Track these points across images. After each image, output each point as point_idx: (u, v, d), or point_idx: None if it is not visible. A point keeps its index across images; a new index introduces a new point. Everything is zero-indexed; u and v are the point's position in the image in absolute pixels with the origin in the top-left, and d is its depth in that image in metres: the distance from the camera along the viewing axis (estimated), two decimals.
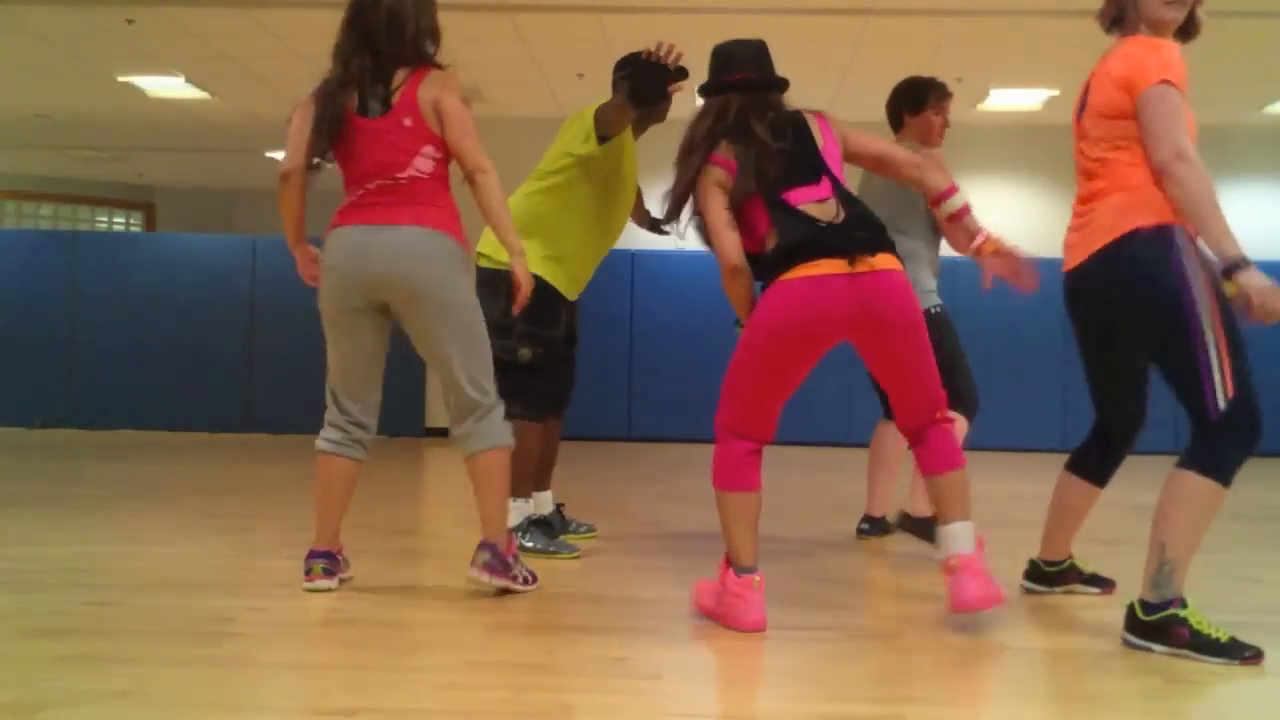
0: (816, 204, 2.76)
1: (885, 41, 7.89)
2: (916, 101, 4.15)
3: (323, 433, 3.14)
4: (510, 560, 3.08)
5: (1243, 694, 2.33)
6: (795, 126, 2.89)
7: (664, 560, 3.72)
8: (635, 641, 2.70)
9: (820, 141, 2.89)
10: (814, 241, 2.67)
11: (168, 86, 9.23)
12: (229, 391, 10.01)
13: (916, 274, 3.93)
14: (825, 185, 2.80)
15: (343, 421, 3.14)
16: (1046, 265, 8.94)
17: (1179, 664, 2.49)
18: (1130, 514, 5.01)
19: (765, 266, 2.75)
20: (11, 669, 2.28)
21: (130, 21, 7.51)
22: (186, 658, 2.37)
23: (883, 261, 2.69)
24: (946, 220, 3.05)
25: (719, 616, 2.76)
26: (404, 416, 10.18)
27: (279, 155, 13.48)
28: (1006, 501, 5.79)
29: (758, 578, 2.71)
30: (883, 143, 3.04)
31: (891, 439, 4.15)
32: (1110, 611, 2.99)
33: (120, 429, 9.99)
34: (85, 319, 10.28)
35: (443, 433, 10.34)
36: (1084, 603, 3.11)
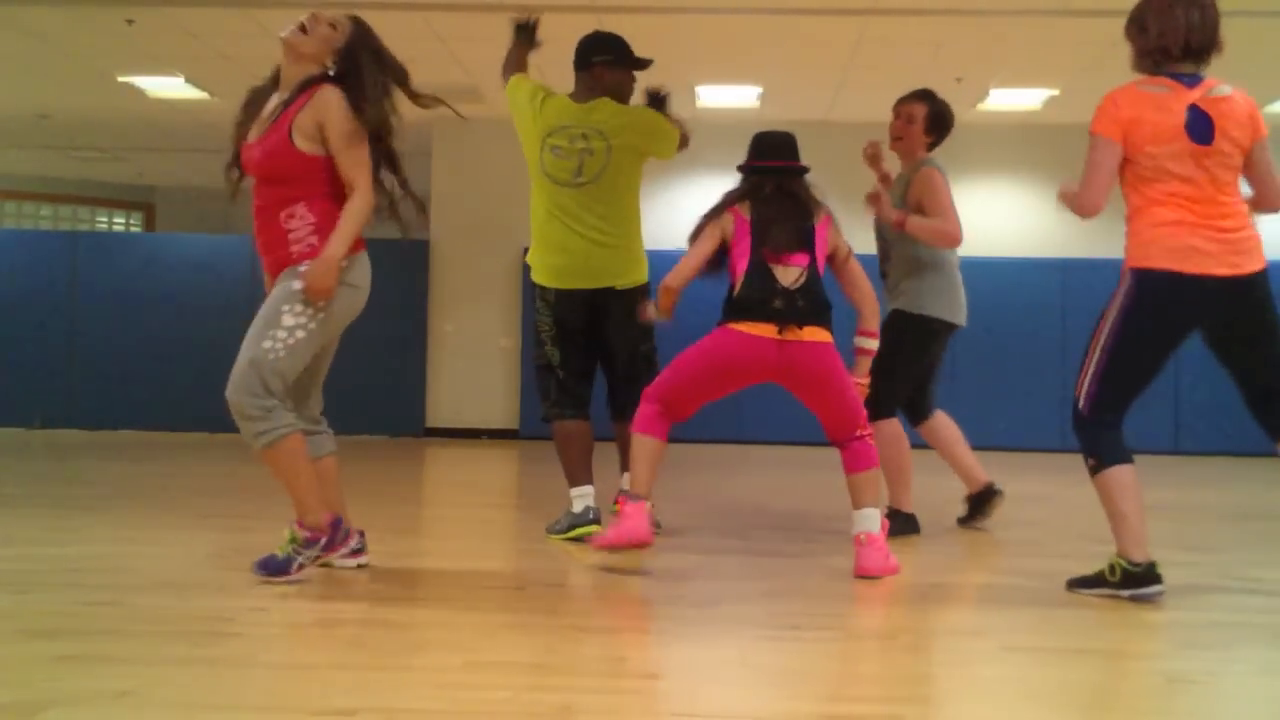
0: (784, 268, 3.42)
1: (885, 41, 7.88)
2: None
3: (286, 419, 3.16)
4: None
5: (1243, 694, 2.33)
6: (804, 212, 3.52)
7: (663, 560, 3.72)
8: (635, 641, 2.70)
9: (815, 227, 3.52)
10: (757, 307, 3.37)
11: (168, 86, 9.23)
12: None
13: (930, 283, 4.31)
14: (802, 258, 3.45)
15: (292, 408, 3.26)
16: (1046, 265, 9.09)
17: (1179, 664, 2.49)
18: None
19: (725, 307, 3.46)
20: (11, 669, 2.28)
21: (130, 22, 7.51)
22: (186, 658, 2.37)
23: (809, 334, 3.37)
24: (855, 348, 3.62)
25: (615, 538, 3.36)
26: (404, 416, 10.19)
27: None
28: (1006, 501, 5.78)
29: (648, 504, 3.41)
30: (857, 273, 3.60)
31: (941, 432, 4.48)
32: (1109, 611, 2.99)
33: (120, 429, 10.00)
34: (85, 319, 10.28)
35: (443, 433, 10.34)
36: (1083, 602, 3.10)
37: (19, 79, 9.16)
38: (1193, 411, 9.29)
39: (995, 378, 9.78)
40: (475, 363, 10.38)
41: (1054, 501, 5.88)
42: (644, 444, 3.50)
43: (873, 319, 3.63)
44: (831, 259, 3.57)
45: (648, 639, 2.73)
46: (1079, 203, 3.17)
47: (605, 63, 4.12)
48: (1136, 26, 3.18)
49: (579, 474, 4.10)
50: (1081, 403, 3.15)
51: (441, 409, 10.39)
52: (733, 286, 3.48)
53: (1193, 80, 3.10)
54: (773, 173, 3.59)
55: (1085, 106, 8.97)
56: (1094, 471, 3.12)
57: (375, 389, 10.10)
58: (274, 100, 3.26)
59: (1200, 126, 3.05)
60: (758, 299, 3.38)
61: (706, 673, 2.39)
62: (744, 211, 3.52)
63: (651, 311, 3.66)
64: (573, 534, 3.97)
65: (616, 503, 3.90)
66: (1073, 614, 2.97)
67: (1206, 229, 3.04)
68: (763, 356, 3.37)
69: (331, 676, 2.26)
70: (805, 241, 3.46)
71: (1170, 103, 3.06)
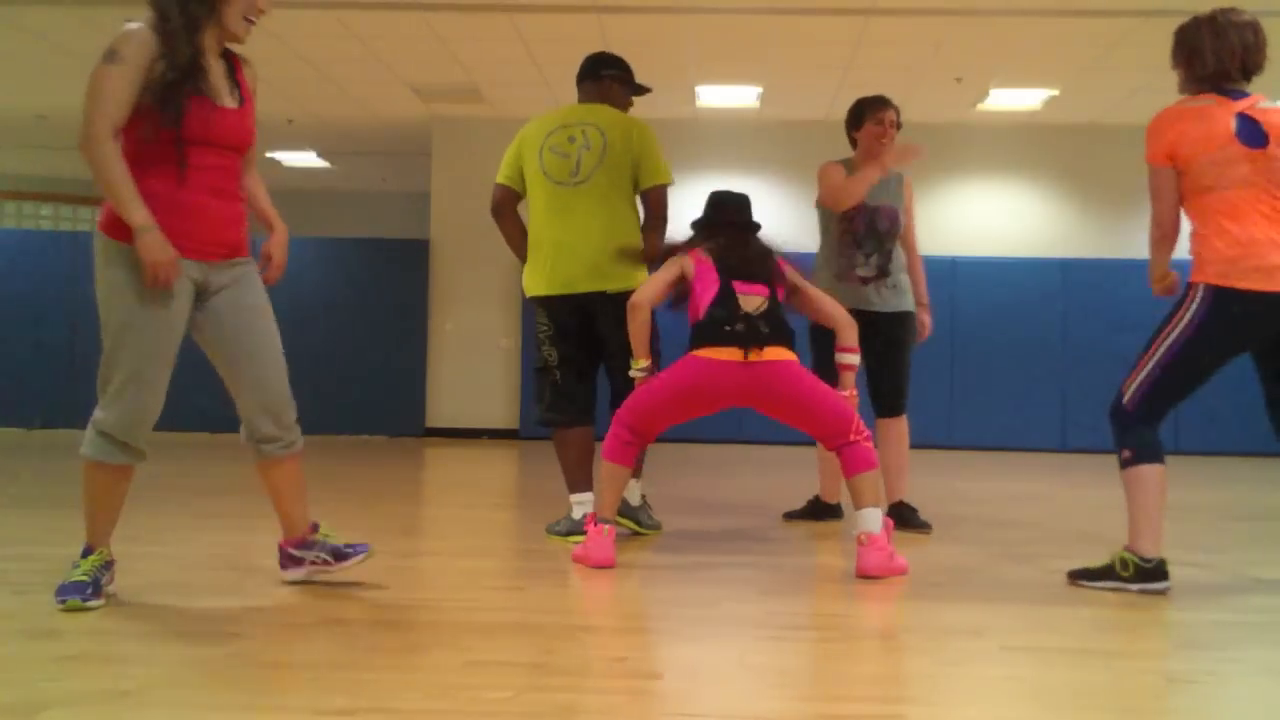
0: (747, 296, 3.59)
1: (885, 41, 7.89)
2: (855, 119, 4.57)
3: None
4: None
5: (1243, 694, 2.33)
6: (765, 256, 3.74)
7: (663, 559, 3.72)
8: (635, 641, 2.70)
9: (776, 261, 3.75)
10: (722, 333, 3.53)
11: None
12: (228, 391, 9.99)
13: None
14: (763, 289, 3.62)
15: None
16: (1045, 265, 9.10)
17: (1179, 664, 2.49)
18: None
19: (692, 336, 3.61)
20: (11, 669, 2.28)
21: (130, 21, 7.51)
22: (186, 658, 2.37)
23: (771, 353, 3.51)
24: (838, 365, 3.73)
25: (581, 559, 3.54)
26: (404, 416, 10.19)
27: (277, 155, 13.40)
28: (1006, 501, 5.79)
29: (608, 529, 3.53)
30: (822, 298, 3.82)
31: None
32: (1109, 611, 2.99)
33: None
34: (85, 319, 10.24)
35: (443, 433, 10.34)
36: (1083, 601, 3.11)
37: (19, 79, 9.16)
38: (1192, 411, 9.28)
39: (995, 378, 9.78)
40: (475, 363, 10.38)
41: (1054, 501, 5.88)
42: (611, 471, 3.66)
43: (850, 334, 3.73)
44: (791, 293, 3.76)
45: (648, 639, 2.73)
46: (1155, 234, 3.17)
47: (614, 77, 4.27)
48: (1188, 53, 3.18)
49: (578, 481, 4.12)
50: (1127, 398, 3.21)
51: (441, 409, 10.40)
52: (697, 319, 3.62)
53: (1238, 94, 3.13)
54: (729, 227, 3.80)
55: (1085, 106, 9.02)
56: (1126, 464, 3.19)
57: (375, 389, 10.11)
58: (216, 64, 2.89)
59: (1250, 131, 3.07)
60: (722, 324, 3.54)
61: (707, 673, 2.39)
62: (703, 253, 3.72)
63: (641, 369, 3.71)
64: (571, 540, 3.99)
65: (585, 520, 3.93)
66: (1073, 614, 2.97)
67: None
68: (730, 380, 3.52)
69: (331, 676, 2.26)
70: (766, 272, 3.67)
71: (1214, 112, 3.10)
